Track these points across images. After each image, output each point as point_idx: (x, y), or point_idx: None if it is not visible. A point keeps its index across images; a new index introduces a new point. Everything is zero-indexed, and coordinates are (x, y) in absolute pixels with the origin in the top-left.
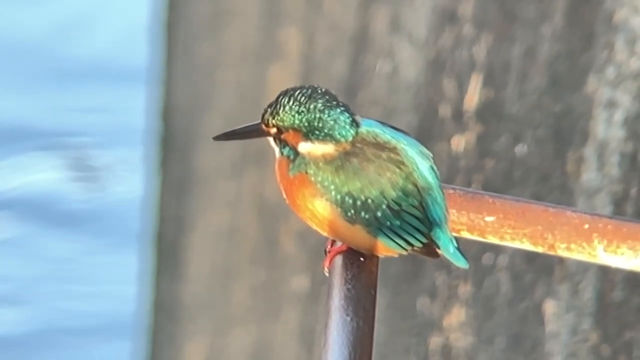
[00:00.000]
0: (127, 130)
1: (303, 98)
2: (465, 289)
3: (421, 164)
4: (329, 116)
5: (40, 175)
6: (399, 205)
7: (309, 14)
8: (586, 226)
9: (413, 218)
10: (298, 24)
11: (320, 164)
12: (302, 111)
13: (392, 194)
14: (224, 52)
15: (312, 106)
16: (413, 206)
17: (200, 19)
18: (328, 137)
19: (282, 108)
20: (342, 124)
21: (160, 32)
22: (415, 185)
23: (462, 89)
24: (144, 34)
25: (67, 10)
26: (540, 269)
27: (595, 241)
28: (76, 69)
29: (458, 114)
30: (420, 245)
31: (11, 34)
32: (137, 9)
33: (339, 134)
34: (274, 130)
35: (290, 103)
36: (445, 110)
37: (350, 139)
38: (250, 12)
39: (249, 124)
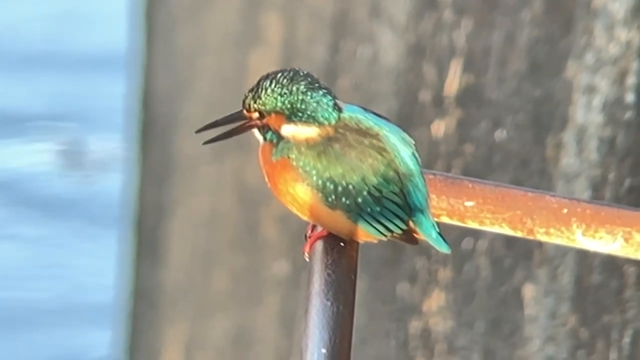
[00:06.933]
0: (107, 117)
1: (285, 80)
2: (444, 274)
3: (403, 150)
4: (311, 98)
5: (20, 159)
6: (380, 191)
7: None
8: (565, 211)
9: (393, 204)
10: (278, 10)
11: (303, 149)
12: (285, 93)
13: (373, 180)
14: (205, 38)
15: (294, 88)
16: (394, 193)
17: (181, 4)
18: (311, 119)
19: (263, 91)
20: (325, 106)
21: (140, 18)
22: (397, 172)
23: (442, 74)
24: (124, 20)
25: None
26: (520, 253)
27: (574, 226)
28: (57, 55)
29: (438, 100)
30: (399, 231)
31: None
32: None
33: (322, 116)
34: (256, 115)
35: (272, 86)
36: (425, 96)
37: (333, 122)
38: None
39: (230, 113)
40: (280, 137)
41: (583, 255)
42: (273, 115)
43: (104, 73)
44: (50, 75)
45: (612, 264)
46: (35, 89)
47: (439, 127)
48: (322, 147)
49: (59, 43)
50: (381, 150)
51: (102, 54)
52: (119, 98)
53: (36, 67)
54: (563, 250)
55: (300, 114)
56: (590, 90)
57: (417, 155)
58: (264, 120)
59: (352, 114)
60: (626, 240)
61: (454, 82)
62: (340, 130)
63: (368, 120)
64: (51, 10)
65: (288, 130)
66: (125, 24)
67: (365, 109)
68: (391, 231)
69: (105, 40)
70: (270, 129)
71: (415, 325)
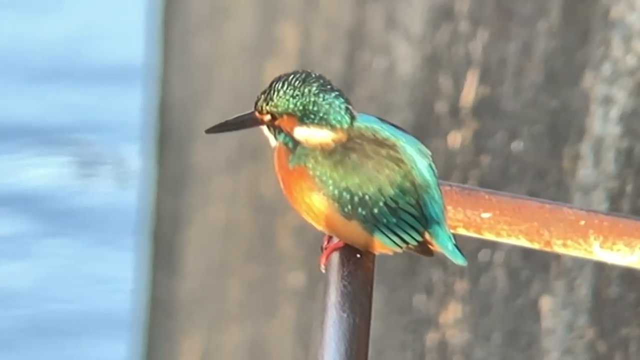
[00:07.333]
0: (124, 127)
1: (297, 82)
2: (461, 286)
3: (420, 162)
4: (323, 100)
5: (37, 171)
6: (396, 202)
7: (306, 10)
8: (582, 222)
9: (409, 216)
10: (295, 21)
11: (319, 158)
12: (297, 95)
13: (390, 191)
14: (221, 49)
15: (306, 90)
16: (410, 204)
17: (197, 15)
18: (323, 121)
19: (276, 93)
20: (337, 108)
21: (157, 28)
22: (413, 184)
23: (458, 85)
24: (140, 32)
25: (66, 10)
26: (537, 265)
27: (591, 237)
28: (74, 67)
29: (454, 111)
30: (415, 243)
31: (13, 34)
32: (134, 6)
33: (334, 119)
34: (267, 117)
35: (285, 88)
36: (441, 107)
37: (345, 126)
38: (246, 9)
39: (242, 114)
40: (294, 141)
41: (601, 268)
42: (285, 117)
43: (121, 85)
44: (67, 88)
45: (630, 277)
46: (53, 102)
47: (455, 138)
48: (339, 156)
49: (76, 56)
50: (398, 161)
51: (118, 66)
52: (135, 110)
53: (53, 80)
54: (580, 263)
55: (312, 116)
56: (608, 101)
57: (433, 166)
58: (276, 123)
59: (368, 124)
60: None
61: (470, 93)
62: (357, 140)
63: (384, 131)
64: (68, 23)
65: (301, 133)
66: (142, 36)
67: (381, 120)
68: (407, 242)
69: (122, 52)
70: (282, 131)
71: (431, 337)
